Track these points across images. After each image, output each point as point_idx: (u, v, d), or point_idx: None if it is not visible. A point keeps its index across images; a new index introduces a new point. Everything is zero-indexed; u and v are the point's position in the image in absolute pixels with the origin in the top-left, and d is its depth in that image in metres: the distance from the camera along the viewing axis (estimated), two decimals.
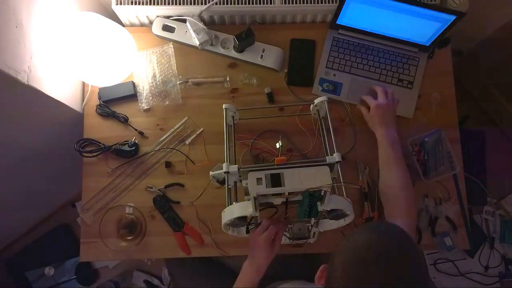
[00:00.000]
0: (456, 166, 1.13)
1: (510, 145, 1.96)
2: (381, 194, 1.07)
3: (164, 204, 1.14)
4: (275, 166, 0.82)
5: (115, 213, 1.13)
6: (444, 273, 1.83)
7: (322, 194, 0.79)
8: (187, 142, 1.17)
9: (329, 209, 0.82)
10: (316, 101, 1.07)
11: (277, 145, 1.00)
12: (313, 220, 0.90)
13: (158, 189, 1.14)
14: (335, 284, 0.61)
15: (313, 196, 0.81)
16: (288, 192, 0.81)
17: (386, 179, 1.04)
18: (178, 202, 1.14)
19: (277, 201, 0.84)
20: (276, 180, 0.80)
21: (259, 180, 0.80)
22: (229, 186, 0.92)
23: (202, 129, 1.18)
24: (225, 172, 0.91)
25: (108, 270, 1.88)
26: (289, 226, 0.95)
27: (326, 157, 0.91)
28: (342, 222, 0.91)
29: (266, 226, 0.89)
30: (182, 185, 1.15)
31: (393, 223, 0.71)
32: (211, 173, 0.95)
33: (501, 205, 1.88)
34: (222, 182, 0.95)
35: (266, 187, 0.79)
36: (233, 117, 1.11)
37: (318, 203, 0.82)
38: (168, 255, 1.14)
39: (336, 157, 0.89)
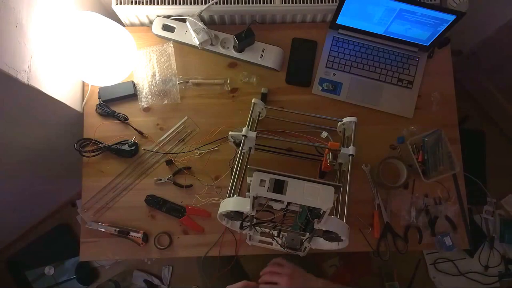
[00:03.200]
0: (456, 166, 1.13)
1: (510, 145, 1.96)
2: None
3: (157, 200, 1.15)
4: (283, 173, 0.81)
5: (116, 213, 1.13)
6: (444, 273, 1.83)
7: (321, 213, 0.79)
8: (197, 155, 1.17)
9: (324, 229, 0.82)
10: (345, 119, 1.07)
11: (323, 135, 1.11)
12: (307, 235, 0.90)
13: (167, 179, 1.15)
14: None
15: (312, 212, 0.81)
16: (288, 202, 0.80)
17: None
18: (191, 186, 1.15)
19: (277, 206, 0.84)
20: (279, 187, 0.79)
21: (262, 181, 0.79)
22: (243, 150, 0.97)
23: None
24: (243, 135, 0.97)
25: (108, 270, 1.88)
26: (283, 233, 0.95)
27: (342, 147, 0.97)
28: (335, 245, 0.90)
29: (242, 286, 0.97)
30: (189, 168, 1.16)
31: None
32: (230, 132, 1.01)
33: (501, 205, 1.88)
34: (238, 144, 1.01)
35: (267, 191, 0.79)
36: (259, 113, 1.11)
37: (316, 220, 0.81)
38: (168, 255, 1.14)
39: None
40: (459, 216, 1.16)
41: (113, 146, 1.15)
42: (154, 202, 1.15)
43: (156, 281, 1.86)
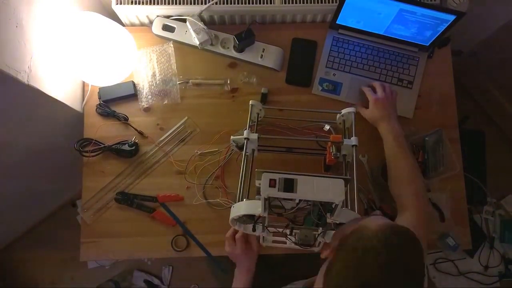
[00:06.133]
0: (456, 166, 1.12)
1: (510, 145, 1.96)
2: (391, 189, 1.05)
3: (126, 197, 1.14)
4: (291, 172, 0.81)
5: (115, 213, 1.13)
6: (444, 273, 1.84)
7: (333, 206, 0.80)
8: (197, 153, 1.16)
9: (338, 222, 0.82)
10: (343, 111, 1.08)
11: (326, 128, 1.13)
12: (320, 230, 0.90)
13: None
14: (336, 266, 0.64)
15: (324, 207, 0.81)
16: (299, 199, 0.80)
17: (394, 173, 1.03)
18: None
19: (287, 205, 0.84)
20: (289, 185, 0.79)
21: (272, 182, 0.79)
22: (246, 153, 0.98)
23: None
24: (245, 138, 0.98)
25: (108, 270, 1.88)
26: (295, 231, 0.95)
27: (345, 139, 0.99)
28: None
29: (234, 239, 1.04)
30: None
31: (407, 230, 0.69)
32: (232, 137, 1.01)
33: (501, 205, 1.88)
34: (240, 148, 1.00)
35: (278, 191, 0.79)
36: (258, 114, 1.11)
37: (328, 214, 0.82)
38: (167, 255, 1.14)
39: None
40: (456, 212, 1.16)
41: (113, 146, 1.15)
42: (124, 199, 1.13)
43: (156, 281, 1.86)
